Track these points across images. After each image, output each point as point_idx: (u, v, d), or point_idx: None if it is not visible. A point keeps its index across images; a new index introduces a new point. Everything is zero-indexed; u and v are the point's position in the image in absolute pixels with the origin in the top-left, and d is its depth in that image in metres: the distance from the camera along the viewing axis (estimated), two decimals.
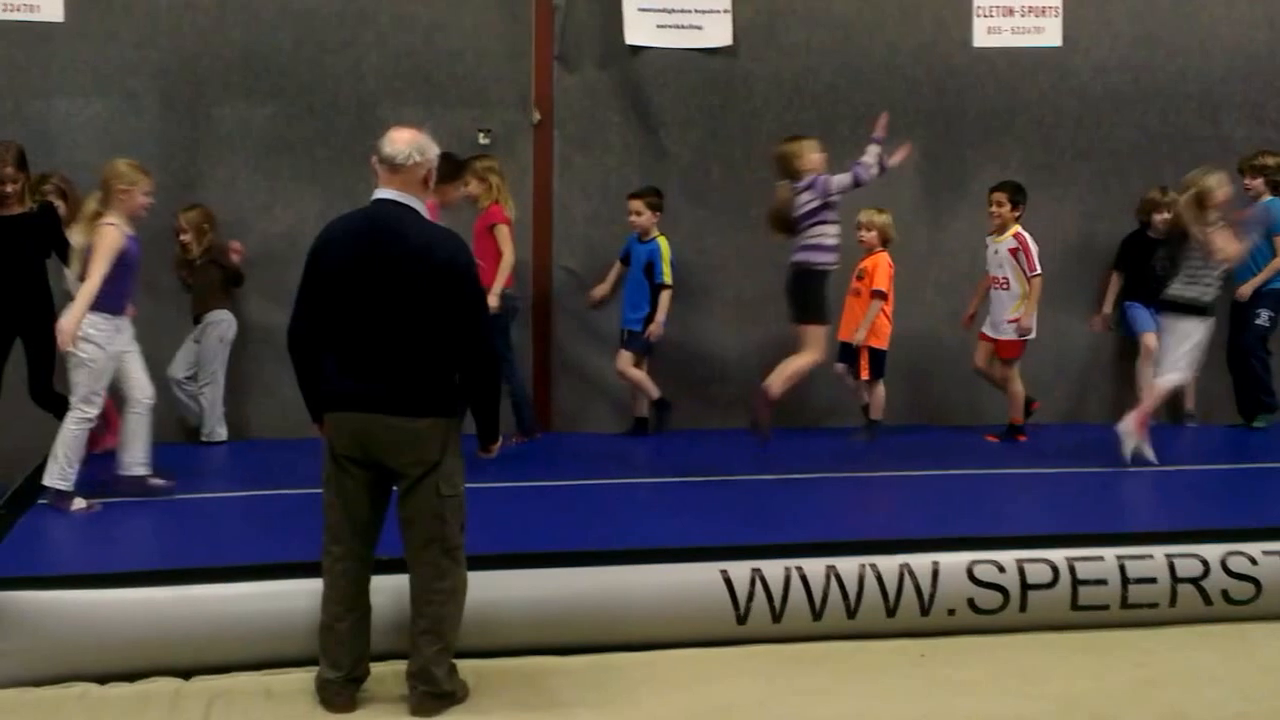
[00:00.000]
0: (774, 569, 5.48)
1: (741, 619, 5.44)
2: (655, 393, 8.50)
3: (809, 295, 7.20)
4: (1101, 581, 5.69)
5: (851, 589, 5.51)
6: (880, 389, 8.39)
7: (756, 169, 8.85)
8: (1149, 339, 8.62)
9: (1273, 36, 9.43)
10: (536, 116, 8.72)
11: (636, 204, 8.39)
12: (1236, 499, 7.14)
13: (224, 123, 8.44)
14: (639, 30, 8.73)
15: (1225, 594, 5.78)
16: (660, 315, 8.31)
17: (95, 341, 6.29)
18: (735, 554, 5.56)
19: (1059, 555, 5.70)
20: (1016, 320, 8.33)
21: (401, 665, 4.82)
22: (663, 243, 8.39)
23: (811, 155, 7.26)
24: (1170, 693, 5.03)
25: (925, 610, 5.56)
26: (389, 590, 4.89)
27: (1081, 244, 9.22)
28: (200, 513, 6.50)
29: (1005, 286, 8.41)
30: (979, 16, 9.09)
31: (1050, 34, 9.15)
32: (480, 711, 4.78)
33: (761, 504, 6.73)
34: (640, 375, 8.49)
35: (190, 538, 6.00)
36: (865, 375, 8.27)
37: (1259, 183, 8.80)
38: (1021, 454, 8.10)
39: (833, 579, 5.50)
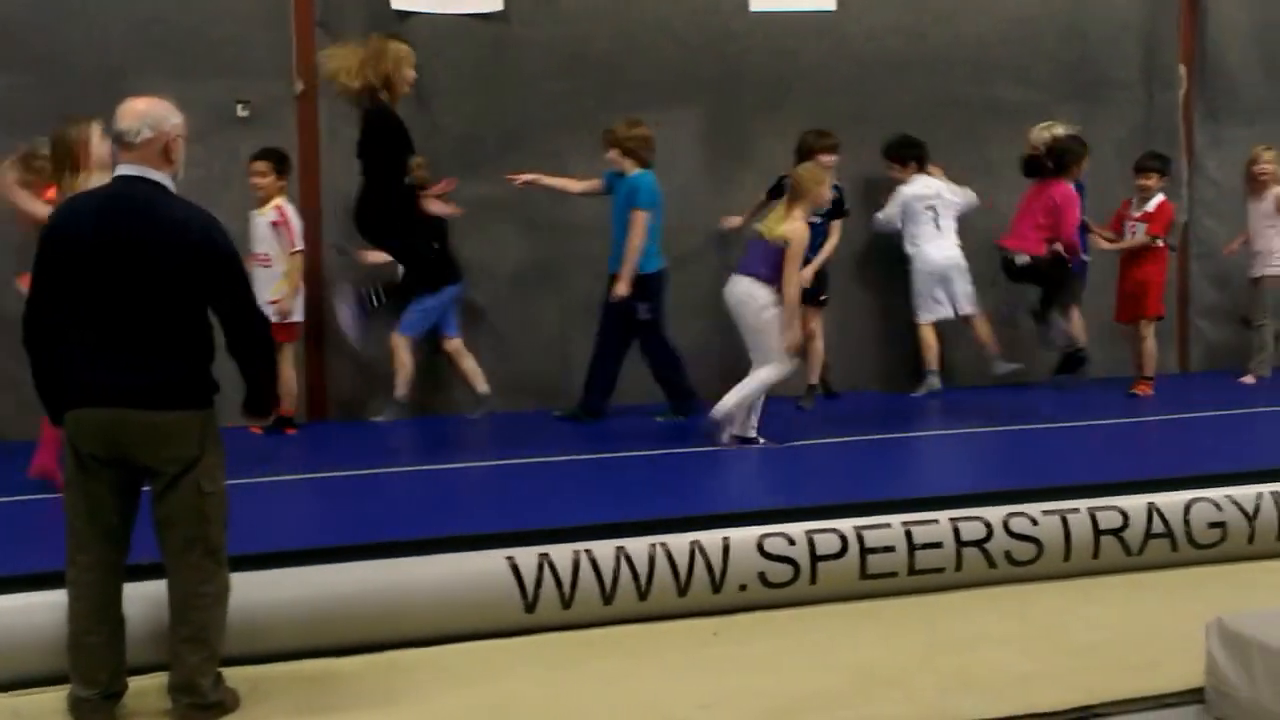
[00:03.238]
0: (562, 553, 5.32)
1: (530, 607, 5.26)
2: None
3: None
4: (889, 549, 5.68)
5: (642, 570, 5.37)
6: None
7: (534, 139, 8.67)
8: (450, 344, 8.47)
9: (1038, 1, 9.64)
10: (299, 86, 8.35)
11: (260, 165, 7.94)
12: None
13: None
14: None
15: (1008, 555, 5.83)
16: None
17: None
18: (521, 540, 5.37)
19: (847, 525, 5.66)
20: (278, 302, 7.75)
21: (163, 678, 4.51)
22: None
23: None
24: (957, 657, 5.04)
25: (717, 587, 5.47)
26: (143, 598, 4.57)
27: (864, 210, 9.23)
28: None
29: (268, 264, 7.88)
30: None
31: None
32: None
33: (548, 486, 6.59)
34: None
35: None
36: None
37: (614, 154, 8.16)
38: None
39: (623, 561, 5.36)
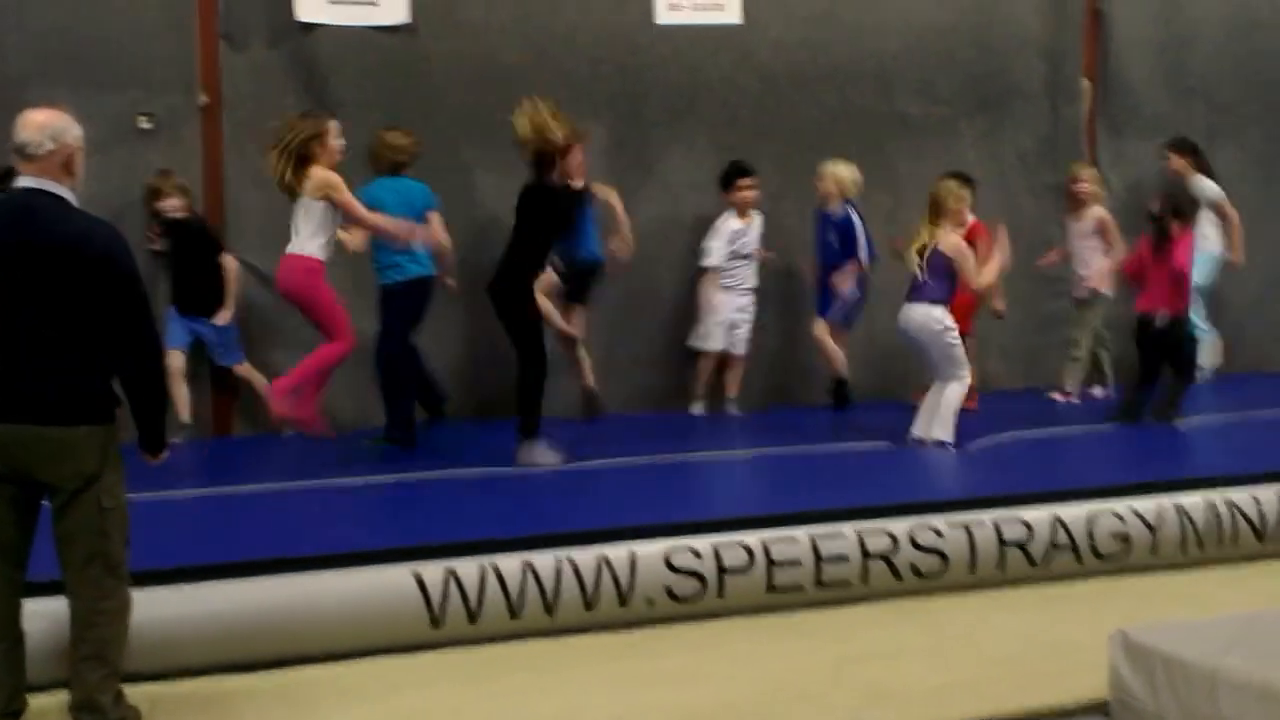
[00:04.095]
0: (468, 568, 5.28)
1: (436, 622, 5.22)
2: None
3: None
4: (796, 562, 5.70)
5: (549, 584, 5.36)
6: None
7: (440, 153, 8.59)
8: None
9: (942, 15, 9.75)
10: (203, 99, 8.21)
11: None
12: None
13: None
14: (310, 6, 8.33)
15: (914, 568, 5.87)
16: None
17: None
18: (427, 554, 5.33)
19: (754, 538, 5.68)
20: None
21: (63, 695, 4.44)
22: None
23: None
24: (871, 669, 5.07)
25: (624, 602, 5.46)
26: (42, 614, 4.50)
27: (767, 225, 9.25)
28: None
29: None
30: None
31: (730, 11, 9.18)
32: None
33: (453, 501, 6.52)
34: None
35: None
36: None
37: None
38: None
39: (529, 575, 5.33)
